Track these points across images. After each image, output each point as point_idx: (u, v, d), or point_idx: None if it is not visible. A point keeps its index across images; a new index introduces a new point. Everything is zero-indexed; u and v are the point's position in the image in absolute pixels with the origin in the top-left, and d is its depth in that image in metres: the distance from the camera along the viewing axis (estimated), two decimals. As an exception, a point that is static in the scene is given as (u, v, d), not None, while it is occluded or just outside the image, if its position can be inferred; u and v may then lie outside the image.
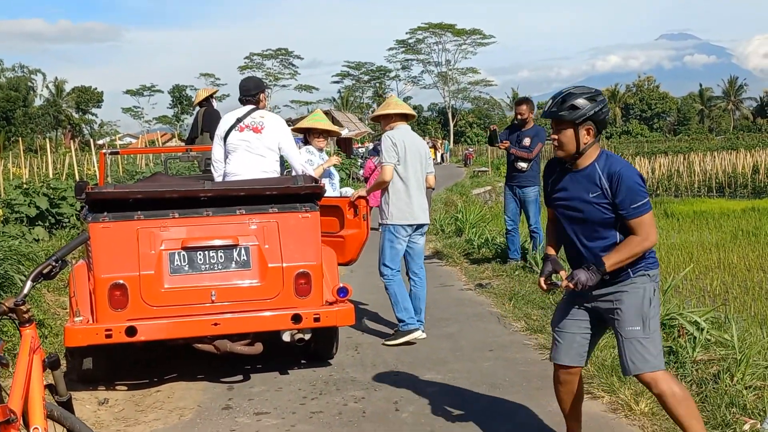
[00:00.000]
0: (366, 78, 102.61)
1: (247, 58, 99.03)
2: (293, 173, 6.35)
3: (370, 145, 31.97)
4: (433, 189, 7.76)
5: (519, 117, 9.51)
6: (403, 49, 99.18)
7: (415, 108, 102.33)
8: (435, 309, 7.75)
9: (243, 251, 5.35)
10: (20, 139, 24.90)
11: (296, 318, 5.31)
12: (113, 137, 57.54)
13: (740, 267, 15.19)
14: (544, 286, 3.91)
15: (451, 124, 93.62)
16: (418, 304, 6.69)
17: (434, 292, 8.70)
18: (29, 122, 71.37)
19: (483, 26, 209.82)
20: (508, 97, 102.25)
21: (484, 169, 37.04)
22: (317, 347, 5.93)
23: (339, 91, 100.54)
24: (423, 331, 6.66)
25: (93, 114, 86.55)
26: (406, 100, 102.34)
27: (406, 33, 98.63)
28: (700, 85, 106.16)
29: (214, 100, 11.19)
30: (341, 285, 5.49)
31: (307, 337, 5.54)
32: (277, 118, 6.46)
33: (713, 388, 4.80)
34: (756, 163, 33.16)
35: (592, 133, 3.65)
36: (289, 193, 5.57)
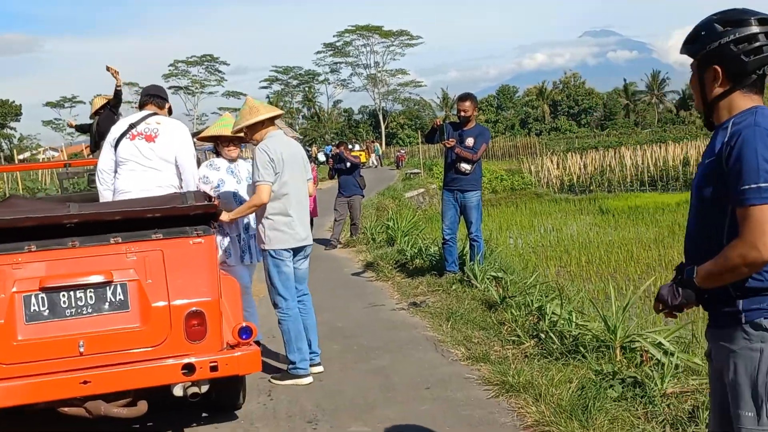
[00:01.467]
0: (295, 82, 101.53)
1: (171, 65, 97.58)
2: (186, 188, 5.37)
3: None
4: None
5: (462, 114, 8.63)
6: (331, 52, 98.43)
7: (345, 111, 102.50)
8: (364, 336, 6.84)
9: (119, 289, 4.33)
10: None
11: (188, 368, 4.32)
12: (34, 151, 55.42)
13: (683, 264, 14.70)
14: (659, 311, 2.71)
15: (383, 126, 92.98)
16: (309, 333, 5.80)
17: (364, 314, 7.80)
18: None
19: (410, 27, 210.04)
20: (438, 97, 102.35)
21: (416, 170, 36.30)
22: (219, 398, 4.94)
23: (268, 97, 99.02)
24: (320, 364, 5.85)
25: (11, 128, 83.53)
26: (336, 103, 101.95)
27: (334, 36, 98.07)
28: (624, 80, 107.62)
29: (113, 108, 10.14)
30: (243, 324, 4.52)
31: (204, 389, 4.53)
32: (177, 124, 5.48)
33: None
34: (686, 155, 33.22)
35: (719, 77, 2.51)
36: (176, 215, 4.58)
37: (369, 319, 7.54)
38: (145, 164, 5.32)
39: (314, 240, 14.83)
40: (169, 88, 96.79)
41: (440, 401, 4.96)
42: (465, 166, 8.52)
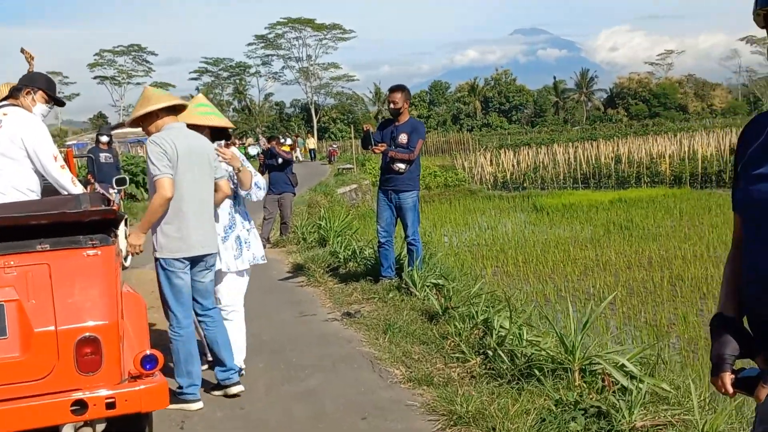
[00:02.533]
0: (225, 75, 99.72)
1: (97, 54, 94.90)
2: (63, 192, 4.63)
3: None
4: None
5: (392, 106, 7.99)
6: (263, 44, 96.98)
7: (277, 104, 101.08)
8: (293, 351, 6.16)
9: (-6, 312, 3.59)
10: None
11: (80, 405, 3.61)
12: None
13: (620, 265, 14.44)
14: (730, 389, 1.94)
15: (315, 120, 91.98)
16: (221, 351, 5.12)
17: (293, 325, 7.12)
18: None
19: (343, 21, 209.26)
20: (370, 92, 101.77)
21: (348, 166, 35.63)
22: (120, 437, 4.22)
23: (197, 88, 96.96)
24: (238, 383, 5.18)
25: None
26: (267, 96, 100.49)
27: (266, 28, 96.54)
28: (554, 78, 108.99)
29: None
30: (148, 352, 3.81)
31: (100, 429, 3.82)
32: (24, 115, 4.71)
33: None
34: (618, 153, 33.38)
35: None
36: (67, 222, 3.84)
37: (299, 331, 6.87)
38: None
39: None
40: (95, 78, 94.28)
41: (379, 434, 4.34)
42: (400, 165, 7.90)
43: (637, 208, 22.70)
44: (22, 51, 8.93)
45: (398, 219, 8.13)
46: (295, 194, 14.48)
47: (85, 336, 3.66)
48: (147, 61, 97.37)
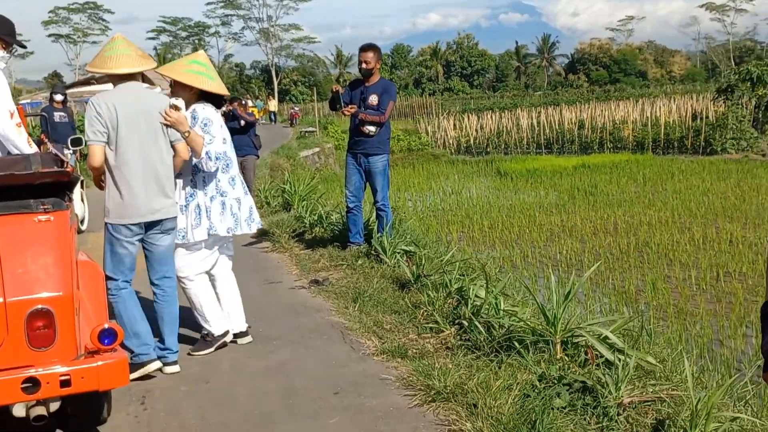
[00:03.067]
0: (184, 34, 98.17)
1: (51, 12, 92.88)
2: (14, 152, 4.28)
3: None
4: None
5: (364, 66, 7.63)
6: (222, 3, 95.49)
7: (237, 66, 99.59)
8: (260, 322, 5.89)
9: (-66, 283, 3.27)
10: None
11: (32, 383, 3.33)
12: None
13: (586, 230, 14.37)
14: None
15: (275, 83, 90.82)
16: (164, 326, 4.87)
17: (259, 294, 6.85)
18: None
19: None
20: (332, 54, 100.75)
21: (311, 129, 35.13)
22: (77, 415, 3.93)
23: (155, 48, 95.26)
24: (175, 363, 4.90)
25: None
26: (227, 57, 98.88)
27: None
28: (516, 43, 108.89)
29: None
30: (105, 325, 3.52)
31: (55, 407, 3.53)
32: None
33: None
34: (581, 119, 33.35)
35: None
36: (16, 185, 3.52)
37: (265, 301, 6.59)
38: None
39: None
40: (49, 36, 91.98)
41: (353, 411, 4.11)
42: (370, 128, 7.61)
43: (600, 173, 22.70)
44: None
45: (367, 183, 7.87)
46: (258, 157, 14.11)
47: (36, 308, 3.37)
48: (103, 20, 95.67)
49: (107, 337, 3.48)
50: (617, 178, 21.76)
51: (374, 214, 8.07)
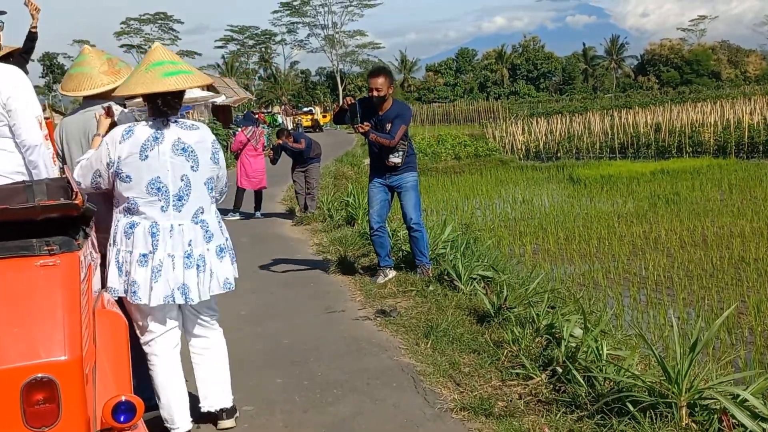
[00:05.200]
0: (251, 43, 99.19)
1: (123, 23, 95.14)
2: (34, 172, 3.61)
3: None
4: None
5: (376, 94, 6.96)
6: (288, 11, 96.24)
7: (302, 72, 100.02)
8: (318, 361, 5.16)
9: None
10: None
11: (27, 474, 2.64)
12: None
13: (672, 243, 13.26)
14: None
15: (340, 89, 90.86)
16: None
17: (318, 325, 6.13)
18: None
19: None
20: (396, 59, 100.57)
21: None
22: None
23: (223, 57, 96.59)
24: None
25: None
26: (293, 64, 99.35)
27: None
28: (584, 45, 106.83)
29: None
30: (123, 398, 2.81)
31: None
32: (5, 72, 3.61)
33: None
34: (657, 121, 31.93)
35: None
36: (12, 220, 2.85)
37: (325, 334, 5.86)
38: None
39: (264, 214, 13.33)
40: (122, 46, 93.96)
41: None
42: (394, 160, 7.08)
43: (681, 179, 21.40)
44: (26, 3, 7.93)
45: (400, 202, 7.42)
46: (319, 163, 13.60)
47: (36, 378, 2.67)
48: (173, 30, 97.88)
49: (124, 412, 2.77)
50: (700, 184, 20.47)
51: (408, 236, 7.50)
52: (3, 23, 3.83)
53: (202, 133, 3.83)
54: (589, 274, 11.40)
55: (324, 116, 54.30)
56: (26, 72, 8.27)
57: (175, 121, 3.75)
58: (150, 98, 3.66)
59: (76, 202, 2.90)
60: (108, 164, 3.68)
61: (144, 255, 3.67)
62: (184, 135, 3.74)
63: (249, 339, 5.85)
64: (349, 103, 6.97)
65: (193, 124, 3.85)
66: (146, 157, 3.64)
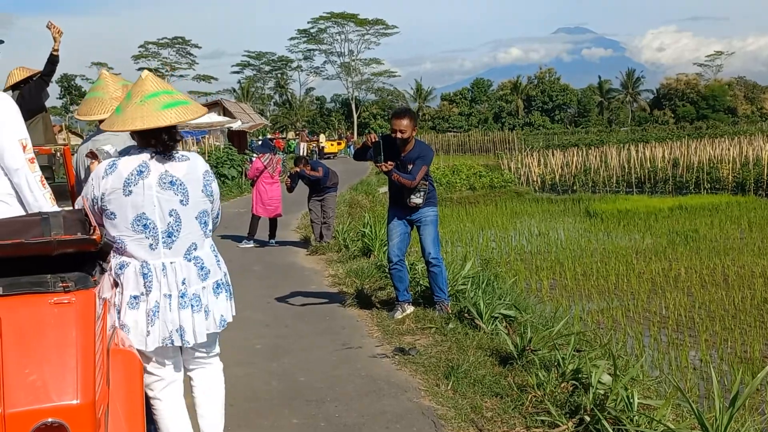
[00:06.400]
0: (267, 68, 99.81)
1: (141, 46, 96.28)
2: (32, 208, 3.46)
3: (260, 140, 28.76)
4: None
5: (400, 136, 6.90)
6: (305, 38, 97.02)
7: (318, 99, 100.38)
8: (335, 402, 4.98)
9: None
10: None
11: None
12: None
13: (692, 282, 13.03)
14: None
15: (355, 116, 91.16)
16: None
17: (334, 362, 5.95)
18: None
19: (386, 17, 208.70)
20: (411, 88, 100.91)
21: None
22: None
23: (239, 82, 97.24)
24: None
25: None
26: (308, 91, 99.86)
27: (308, 22, 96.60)
28: (599, 78, 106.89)
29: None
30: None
31: None
32: None
33: None
34: (674, 156, 31.73)
35: None
36: (27, 255, 2.71)
37: (342, 373, 5.68)
38: None
39: (279, 242, 13.20)
40: (139, 69, 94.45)
41: None
42: (416, 201, 7.04)
43: (700, 216, 21.19)
44: (49, 26, 7.87)
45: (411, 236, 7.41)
46: (336, 192, 13.50)
47: (46, 423, 2.53)
48: (191, 54, 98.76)
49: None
50: (719, 221, 20.24)
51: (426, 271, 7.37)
52: None
53: (192, 164, 3.57)
54: (608, 311, 11.19)
55: (339, 143, 54.39)
56: (47, 95, 8.23)
57: (163, 153, 3.50)
58: (145, 133, 3.43)
59: (94, 237, 2.77)
60: (93, 200, 3.48)
61: (135, 297, 3.44)
62: (171, 167, 3.50)
63: (263, 375, 5.68)
64: (373, 140, 6.87)
65: (182, 155, 3.58)
66: (130, 192, 3.40)
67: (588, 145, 42.85)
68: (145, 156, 3.45)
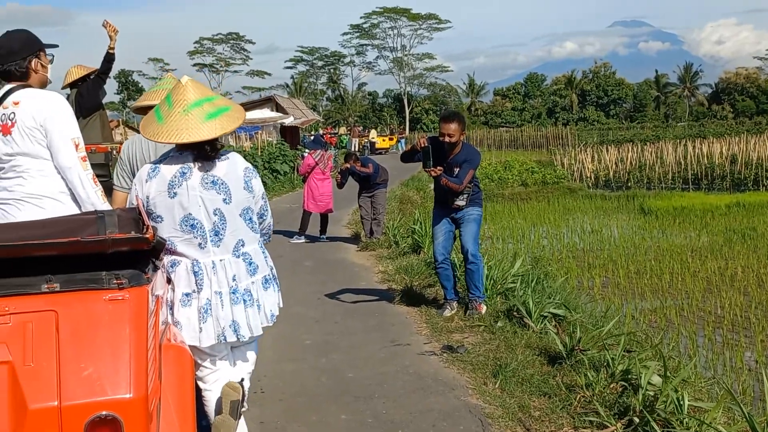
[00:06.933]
0: (320, 64, 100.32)
1: (197, 42, 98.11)
2: (86, 205, 3.56)
3: (311, 136, 28.93)
4: None
5: (448, 140, 6.90)
6: (358, 34, 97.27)
7: (370, 94, 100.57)
8: (382, 398, 5.02)
9: (-24, 379, 2.57)
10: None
11: None
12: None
13: (750, 281, 12.75)
14: None
15: (407, 111, 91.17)
16: None
17: (383, 358, 6.00)
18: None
19: (439, 11, 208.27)
20: (464, 83, 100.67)
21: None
22: None
23: (292, 77, 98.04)
24: None
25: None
26: (361, 86, 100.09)
27: (361, 17, 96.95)
28: (656, 72, 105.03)
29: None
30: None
31: None
32: (42, 97, 3.55)
33: None
34: (733, 152, 31.04)
35: None
36: (82, 252, 2.80)
37: (389, 369, 5.71)
38: (7, 168, 3.52)
39: (330, 238, 13.29)
40: (194, 65, 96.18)
41: None
42: (459, 203, 7.09)
43: (758, 214, 20.66)
44: (105, 24, 8.05)
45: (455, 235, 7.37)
46: (386, 188, 13.54)
47: (100, 416, 2.61)
48: (245, 50, 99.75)
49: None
50: (778, 220, 19.74)
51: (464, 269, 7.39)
52: (53, 56, 3.79)
53: (232, 163, 3.60)
54: (661, 310, 11.03)
55: (390, 139, 54.47)
56: (104, 92, 8.42)
57: (213, 155, 3.55)
58: (187, 143, 3.46)
59: (147, 235, 2.85)
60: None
61: (187, 294, 3.51)
62: (212, 167, 3.54)
63: (313, 371, 5.75)
64: (423, 145, 6.88)
65: (221, 155, 3.61)
66: (175, 194, 3.47)
67: (643, 141, 42.18)
68: (186, 158, 3.51)
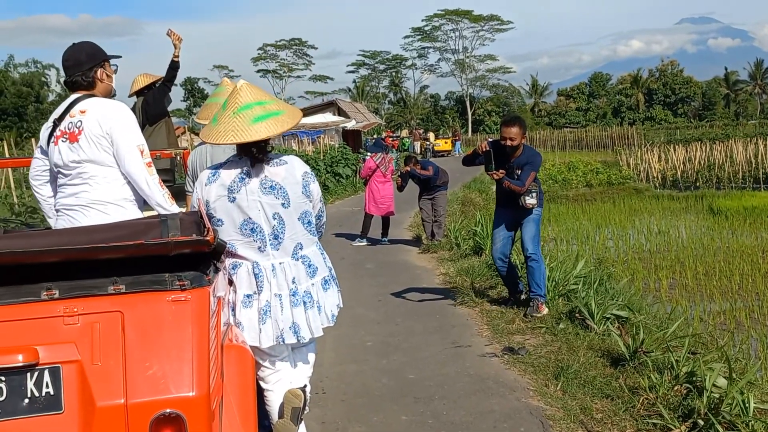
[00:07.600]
0: (382, 67, 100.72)
1: (260, 49, 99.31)
2: (156, 209, 3.67)
3: (371, 140, 29.05)
4: None
5: (509, 143, 7.01)
6: (420, 37, 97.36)
7: (432, 97, 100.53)
8: (443, 399, 5.04)
9: (47, 377, 2.67)
10: (34, 136, 22.45)
11: None
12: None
13: (824, 283, 12.40)
14: None
15: (469, 113, 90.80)
16: None
17: (443, 359, 6.01)
18: (42, 118, 69.75)
19: (501, 12, 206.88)
20: (527, 84, 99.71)
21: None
22: None
23: (354, 81, 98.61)
24: None
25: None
26: (423, 89, 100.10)
27: (422, 20, 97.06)
28: (726, 69, 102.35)
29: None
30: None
31: None
32: (108, 107, 3.65)
33: None
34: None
35: None
36: (146, 255, 2.89)
37: (450, 371, 5.73)
38: (74, 175, 3.62)
39: (391, 241, 13.33)
40: (258, 71, 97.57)
41: None
42: (530, 201, 7.11)
43: (833, 214, 20.02)
44: (169, 33, 8.25)
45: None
46: (446, 191, 13.54)
47: (164, 413, 2.69)
48: (307, 55, 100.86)
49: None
50: None
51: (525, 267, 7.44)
52: (117, 66, 3.91)
53: (290, 167, 3.66)
54: (730, 312, 10.77)
55: (452, 141, 54.28)
56: (170, 100, 8.62)
57: (261, 158, 3.62)
58: (238, 144, 3.57)
59: (208, 238, 2.93)
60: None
61: (248, 296, 3.59)
62: (270, 172, 3.61)
63: (374, 372, 5.80)
64: (485, 149, 7.01)
65: (280, 159, 3.67)
66: (234, 199, 3.55)
67: (712, 140, 41.12)
68: (245, 163, 3.59)
